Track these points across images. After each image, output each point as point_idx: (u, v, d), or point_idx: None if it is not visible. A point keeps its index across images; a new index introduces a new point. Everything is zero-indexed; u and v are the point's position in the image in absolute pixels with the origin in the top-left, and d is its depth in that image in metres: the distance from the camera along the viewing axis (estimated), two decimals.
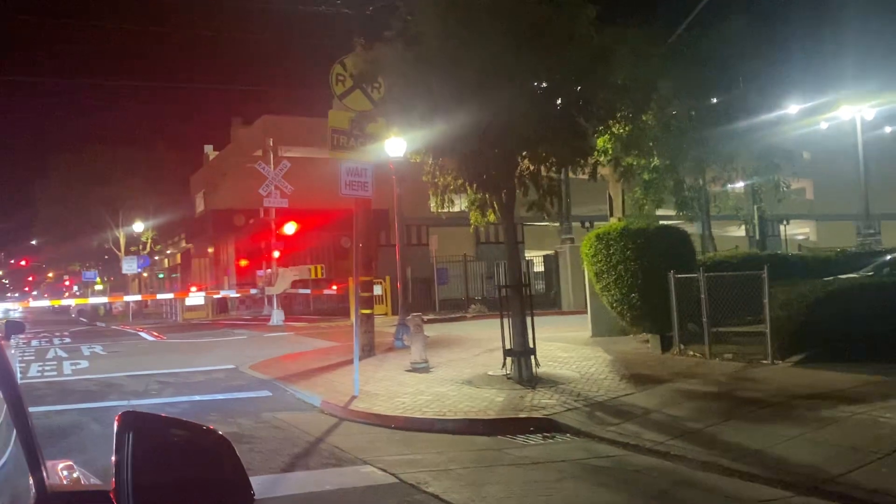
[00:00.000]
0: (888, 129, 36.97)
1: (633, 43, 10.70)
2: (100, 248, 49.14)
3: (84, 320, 38.77)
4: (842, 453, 6.34)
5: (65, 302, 39.91)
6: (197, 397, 11.03)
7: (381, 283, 24.94)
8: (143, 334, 24.73)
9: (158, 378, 13.07)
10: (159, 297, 37.89)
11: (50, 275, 77.94)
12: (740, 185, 21.06)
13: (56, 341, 22.18)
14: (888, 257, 17.07)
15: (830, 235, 41.59)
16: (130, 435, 1.44)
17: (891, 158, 39.52)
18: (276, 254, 28.71)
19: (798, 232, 46.40)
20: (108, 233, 44.81)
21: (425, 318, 15.69)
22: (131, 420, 1.47)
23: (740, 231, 26.40)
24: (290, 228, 28.71)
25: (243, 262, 34.44)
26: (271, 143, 30.66)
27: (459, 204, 11.87)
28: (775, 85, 18.38)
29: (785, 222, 37.24)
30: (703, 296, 11.28)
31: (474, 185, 10.68)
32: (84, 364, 15.59)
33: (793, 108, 20.69)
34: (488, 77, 9.33)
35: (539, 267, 30.98)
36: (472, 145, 9.95)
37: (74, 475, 1.93)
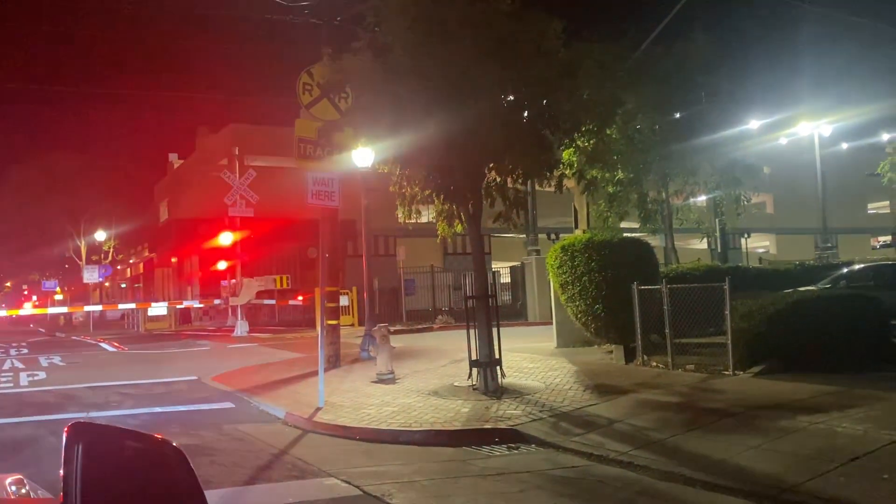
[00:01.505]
0: (845, 146, 38.00)
1: (599, 58, 10.81)
2: (60, 258, 48.18)
3: (42, 330, 37.89)
4: (801, 462, 6.45)
5: (23, 312, 38.95)
6: (158, 409, 10.83)
7: (347, 293, 24.80)
8: (103, 345, 24.22)
9: (119, 389, 12.81)
10: (121, 307, 37.20)
11: (8, 284, 76.10)
12: (702, 198, 21.41)
13: (13, 352, 21.60)
14: (845, 270, 17.49)
15: (790, 248, 42.48)
16: (80, 447, 1.40)
17: (847, 174, 40.60)
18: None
19: (759, 245, 47.33)
20: (68, 242, 43.93)
21: (392, 328, 15.64)
22: (81, 431, 1.43)
23: (702, 244, 26.88)
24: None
25: (210, 270, 33.97)
26: (237, 152, 30.38)
27: (427, 215, 11.88)
28: (737, 101, 18.76)
29: (746, 235, 37.95)
30: (665, 307, 11.42)
31: (441, 196, 10.69)
32: (42, 375, 15.22)
33: (754, 123, 21.15)
34: (456, 89, 9.37)
35: (506, 278, 31.11)
36: (440, 156, 9.98)
37: (23, 490, 1.88)
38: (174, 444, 1.48)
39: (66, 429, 1.44)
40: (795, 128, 28.99)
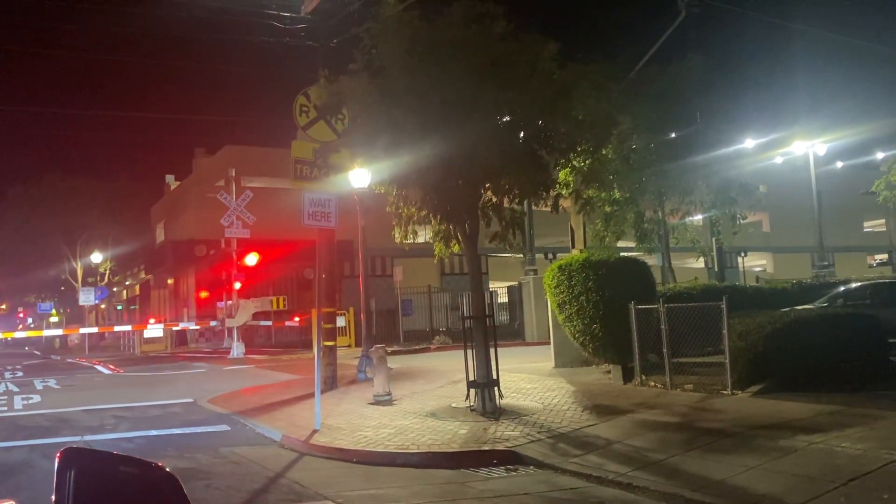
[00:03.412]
0: (839, 164, 38.20)
1: (594, 78, 10.88)
2: (56, 279, 48.06)
3: (38, 353, 37.68)
4: (801, 483, 6.40)
5: (18, 334, 38.75)
6: (153, 432, 10.74)
7: (344, 314, 24.75)
8: (99, 367, 24.10)
9: (114, 412, 12.72)
10: (117, 329, 37.05)
11: (3, 307, 75.81)
12: (699, 217, 21.46)
13: (7, 375, 21.47)
14: (842, 289, 17.50)
15: (787, 267, 42.53)
16: (72, 473, 1.38)
17: (843, 192, 40.76)
18: (238, 285, 28.30)
19: (756, 264, 47.40)
20: (64, 264, 43.86)
21: (389, 349, 15.56)
22: (73, 457, 1.42)
23: (699, 263, 26.84)
24: (251, 259, 28.34)
25: (203, 294, 33.90)
26: (234, 174, 30.41)
27: (424, 235, 11.90)
28: (732, 120, 18.88)
29: (743, 254, 38.03)
30: (663, 326, 11.39)
31: (438, 217, 10.70)
32: (36, 398, 15.11)
33: (749, 142, 21.25)
34: (452, 110, 9.41)
35: (503, 298, 31.07)
36: (436, 177, 10.01)
37: None
38: (167, 469, 1.46)
39: (58, 454, 1.42)
40: (790, 147, 29.15)
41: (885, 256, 50.16)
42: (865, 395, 9.61)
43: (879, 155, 34.33)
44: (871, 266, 48.58)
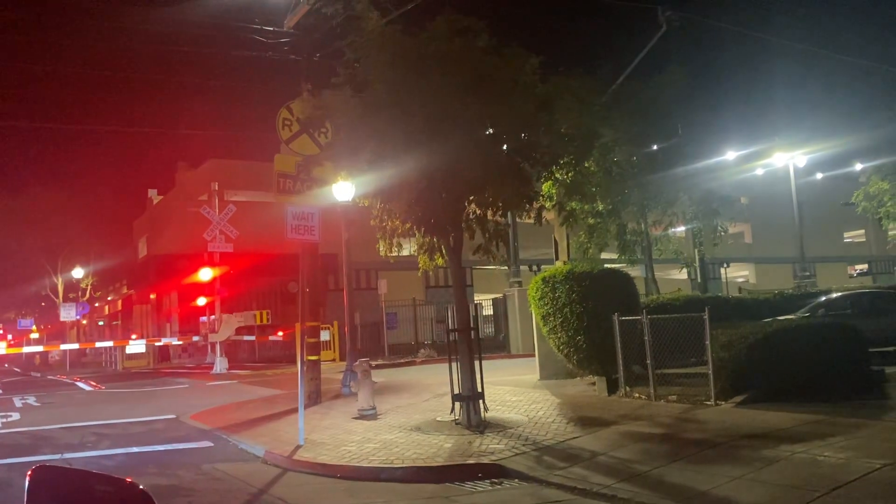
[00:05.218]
0: (819, 176, 38.65)
1: (576, 92, 10.99)
2: (37, 295, 47.50)
3: (17, 370, 37.17)
4: (784, 493, 6.43)
5: None
6: (135, 449, 10.61)
7: (328, 328, 24.65)
8: (80, 384, 23.79)
9: (95, 430, 12.55)
10: (98, 345, 36.64)
11: None
12: (681, 229, 21.62)
13: None
14: (823, 299, 17.65)
15: (769, 278, 42.88)
16: (44, 491, 1.36)
17: (823, 203, 41.23)
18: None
19: (738, 274, 47.77)
20: (45, 279, 43.38)
21: (374, 363, 15.52)
22: (45, 475, 1.39)
23: (682, 274, 27.02)
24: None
25: (189, 306, 33.62)
26: (217, 187, 30.32)
27: (408, 248, 11.87)
28: (713, 132, 19.10)
29: (725, 265, 38.33)
30: (647, 338, 11.43)
31: (422, 229, 10.70)
32: (15, 416, 14.88)
33: (730, 154, 21.47)
34: (435, 123, 9.44)
35: (488, 310, 31.08)
36: (420, 190, 10.01)
37: None
38: (141, 486, 1.44)
39: (28, 473, 1.40)
40: (771, 158, 29.49)
41: (864, 266, 50.77)
42: (847, 405, 9.69)
43: (858, 166, 34.73)
44: (851, 276, 49.13)
